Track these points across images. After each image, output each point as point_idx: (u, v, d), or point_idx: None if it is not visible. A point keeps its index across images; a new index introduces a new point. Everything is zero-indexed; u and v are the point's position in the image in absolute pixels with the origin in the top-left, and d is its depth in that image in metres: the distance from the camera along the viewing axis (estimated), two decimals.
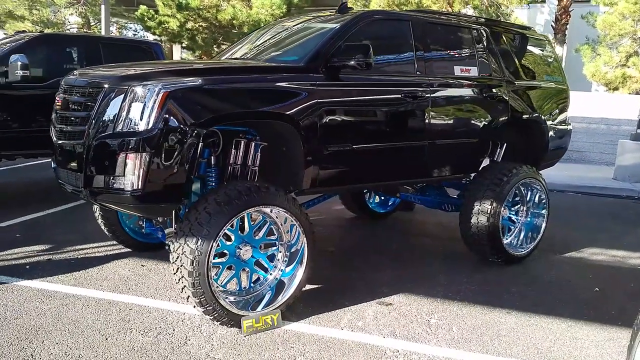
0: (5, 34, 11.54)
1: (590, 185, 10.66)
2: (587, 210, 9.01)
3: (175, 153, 3.85)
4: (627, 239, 7.16)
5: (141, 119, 3.80)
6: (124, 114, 3.85)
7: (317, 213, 7.44)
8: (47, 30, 19.37)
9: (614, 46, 18.00)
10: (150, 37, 21.82)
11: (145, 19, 19.60)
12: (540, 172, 6.30)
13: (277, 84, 4.38)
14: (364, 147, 4.87)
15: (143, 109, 3.79)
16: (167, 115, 3.80)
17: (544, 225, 6.16)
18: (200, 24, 19.12)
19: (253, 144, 4.42)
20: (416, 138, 5.32)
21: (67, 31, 22.29)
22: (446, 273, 5.55)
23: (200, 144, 4.03)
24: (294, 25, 5.58)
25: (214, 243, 3.88)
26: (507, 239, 5.91)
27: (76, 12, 24.24)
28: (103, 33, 12.63)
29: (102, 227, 5.49)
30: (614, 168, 11.79)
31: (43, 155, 7.77)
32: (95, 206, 5.19)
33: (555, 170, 8.03)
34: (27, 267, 5.26)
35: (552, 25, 20.70)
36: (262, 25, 13.15)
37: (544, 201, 6.17)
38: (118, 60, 7.28)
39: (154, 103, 3.77)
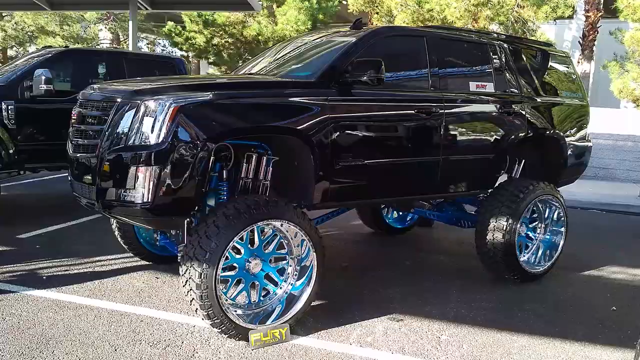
0: (37, 48, 11.82)
1: (615, 203, 10.50)
2: (610, 228, 8.85)
3: (186, 167, 3.89)
4: None
5: (152, 133, 3.85)
6: (135, 127, 3.92)
7: (334, 228, 7.44)
8: (75, 46, 19.82)
9: None
10: (178, 52, 22.15)
11: (173, 35, 19.94)
12: (562, 188, 6.21)
13: (289, 99, 4.39)
14: (376, 163, 4.85)
15: (154, 123, 3.85)
16: (177, 130, 3.84)
17: (562, 242, 6.06)
18: (226, 39, 19.38)
19: (265, 158, 4.44)
20: (429, 154, 5.29)
21: (97, 46, 22.70)
22: (460, 290, 5.50)
23: (212, 158, 4.09)
24: (310, 40, 5.61)
25: (222, 256, 3.90)
26: (524, 256, 5.84)
27: (106, 27, 24.71)
28: (130, 49, 12.82)
29: (119, 239, 5.57)
30: None
31: (66, 167, 7.91)
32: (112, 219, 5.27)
33: (581, 187, 7.91)
34: (44, 277, 5.34)
35: (579, 42, 20.45)
36: None
37: (562, 218, 6.08)
38: (141, 75, 7.43)
39: (165, 117, 3.82)
